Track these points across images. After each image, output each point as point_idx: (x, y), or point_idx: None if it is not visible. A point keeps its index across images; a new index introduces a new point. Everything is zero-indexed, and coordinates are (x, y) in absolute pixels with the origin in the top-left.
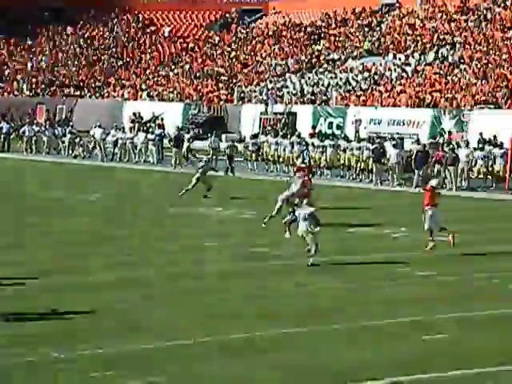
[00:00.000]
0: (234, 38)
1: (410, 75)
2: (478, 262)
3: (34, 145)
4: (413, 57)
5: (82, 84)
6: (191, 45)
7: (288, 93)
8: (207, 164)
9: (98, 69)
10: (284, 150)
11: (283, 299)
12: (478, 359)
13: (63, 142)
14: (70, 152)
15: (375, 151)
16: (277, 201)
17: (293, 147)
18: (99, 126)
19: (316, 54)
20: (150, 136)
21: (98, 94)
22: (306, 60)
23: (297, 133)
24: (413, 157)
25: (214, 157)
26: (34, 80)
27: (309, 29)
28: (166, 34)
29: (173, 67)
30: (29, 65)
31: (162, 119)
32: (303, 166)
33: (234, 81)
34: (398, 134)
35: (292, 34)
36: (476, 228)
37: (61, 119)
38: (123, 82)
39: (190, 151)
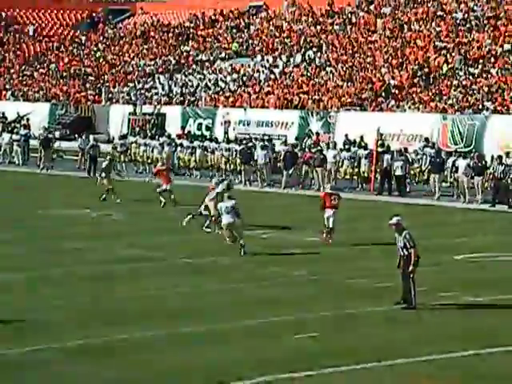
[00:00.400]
0: (101, 38)
1: (277, 77)
2: (349, 261)
3: None
4: (280, 59)
5: None
6: (57, 44)
7: (157, 94)
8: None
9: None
10: (153, 151)
11: (156, 300)
12: (349, 357)
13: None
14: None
15: (242, 152)
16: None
17: (162, 148)
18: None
19: (184, 54)
20: (15, 136)
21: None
22: (175, 61)
23: (166, 133)
24: (281, 158)
25: (83, 158)
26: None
27: (177, 30)
28: (31, 33)
29: (38, 67)
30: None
31: (28, 119)
32: (163, 167)
33: (102, 81)
34: (266, 135)
35: (160, 35)
36: (346, 227)
37: None
38: None
39: (56, 152)
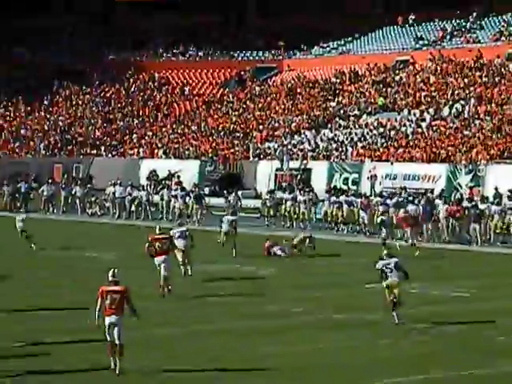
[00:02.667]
0: (248, 95)
1: (424, 130)
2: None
3: (51, 204)
4: (428, 112)
5: (98, 143)
6: (206, 102)
7: (302, 149)
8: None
9: (115, 127)
10: (299, 206)
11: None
12: None
13: (80, 201)
14: (87, 210)
15: (397, 205)
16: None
17: (310, 203)
18: (119, 185)
19: (331, 110)
20: (173, 192)
21: (114, 153)
22: (321, 116)
23: (311, 188)
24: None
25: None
26: (50, 140)
27: (323, 85)
28: (186, 92)
29: (189, 124)
30: (46, 125)
31: (179, 177)
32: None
33: (250, 137)
34: (412, 189)
35: (307, 91)
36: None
37: (79, 178)
38: (139, 140)
39: (207, 208)
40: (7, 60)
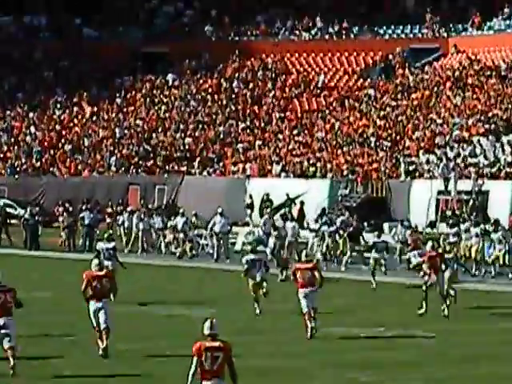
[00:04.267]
0: (398, 88)
1: None
2: None
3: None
4: None
5: (188, 156)
6: (339, 98)
7: (477, 164)
8: None
9: (211, 135)
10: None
11: None
12: None
13: (164, 237)
14: (174, 250)
15: None
16: None
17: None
18: (220, 215)
19: None
20: (313, 226)
21: (210, 170)
22: (503, 117)
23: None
24: None
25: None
26: (123, 152)
27: (505, 73)
28: (320, 84)
29: (315, 130)
30: (117, 131)
31: (302, 203)
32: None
33: (399, 148)
34: None
35: (481, 81)
36: None
37: (162, 205)
38: (246, 151)
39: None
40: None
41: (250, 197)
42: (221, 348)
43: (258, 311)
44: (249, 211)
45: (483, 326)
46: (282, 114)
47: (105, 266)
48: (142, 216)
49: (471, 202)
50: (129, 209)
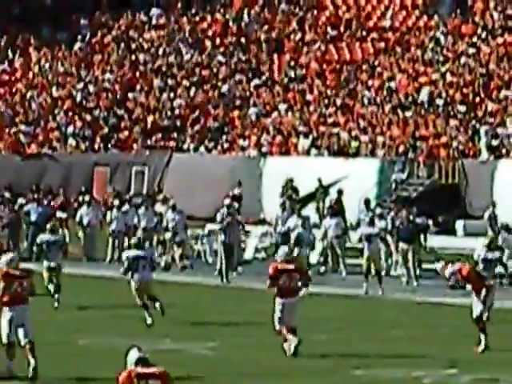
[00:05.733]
0: (478, 29)
1: None
2: None
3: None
4: None
5: (179, 126)
6: (394, 43)
7: None
8: None
9: (211, 95)
10: None
11: None
12: None
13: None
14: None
15: None
16: None
17: None
18: (228, 208)
19: None
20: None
21: (210, 145)
22: None
23: None
24: None
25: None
26: (87, 119)
27: None
28: (366, 25)
29: (358, 88)
30: (77, 88)
31: (341, 193)
32: None
33: (480, 114)
34: None
35: None
36: None
37: (141, 193)
38: (259, 120)
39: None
40: None
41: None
42: (158, 375)
43: (149, 321)
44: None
45: None
46: (312, 66)
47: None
48: (116, 212)
49: None
50: (89, 200)
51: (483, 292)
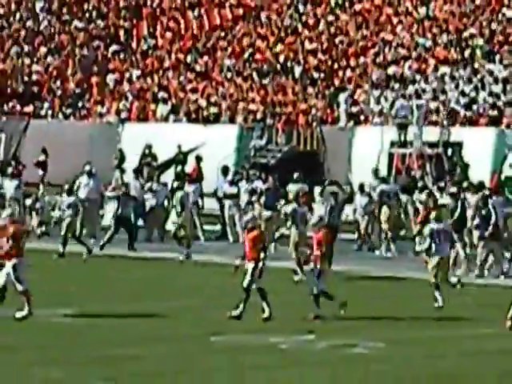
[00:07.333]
0: None
1: None
2: None
3: None
4: None
5: (36, 91)
6: (253, 9)
7: (444, 103)
8: None
9: (70, 61)
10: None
11: None
12: None
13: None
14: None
15: None
16: None
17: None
18: (88, 174)
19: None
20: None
21: (68, 111)
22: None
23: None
24: None
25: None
26: None
27: None
28: None
29: (217, 55)
30: None
31: (199, 159)
32: None
33: (338, 81)
34: None
35: None
36: None
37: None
38: (118, 84)
39: None
40: None
41: (120, 151)
42: None
43: None
44: (117, 172)
45: None
46: (170, 31)
47: None
48: None
49: (437, 158)
50: None
51: None
